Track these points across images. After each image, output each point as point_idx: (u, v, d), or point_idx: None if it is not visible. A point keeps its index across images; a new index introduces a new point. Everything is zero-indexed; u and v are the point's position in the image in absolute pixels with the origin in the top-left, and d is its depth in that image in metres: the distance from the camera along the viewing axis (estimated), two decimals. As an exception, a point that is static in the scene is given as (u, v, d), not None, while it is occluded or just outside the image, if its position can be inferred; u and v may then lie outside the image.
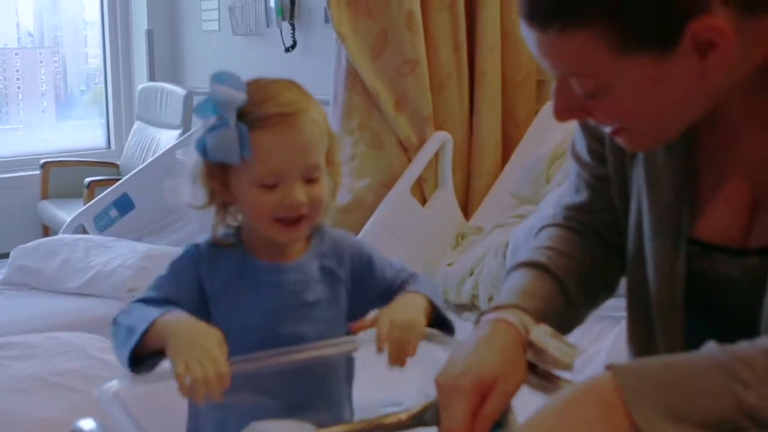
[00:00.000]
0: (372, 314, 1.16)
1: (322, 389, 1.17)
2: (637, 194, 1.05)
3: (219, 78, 1.11)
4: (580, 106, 0.92)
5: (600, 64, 0.86)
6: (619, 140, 0.97)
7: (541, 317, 1.02)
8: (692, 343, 1.04)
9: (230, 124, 1.10)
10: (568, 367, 0.98)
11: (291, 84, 1.17)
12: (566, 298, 1.08)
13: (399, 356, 1.11)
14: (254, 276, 1.18)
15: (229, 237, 1.20)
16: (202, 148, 1.13)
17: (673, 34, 0.83)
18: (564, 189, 1.21)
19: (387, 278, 1.24)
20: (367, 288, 1.23)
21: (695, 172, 1.02)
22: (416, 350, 1.12)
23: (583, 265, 1.11)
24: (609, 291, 1.17)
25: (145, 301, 1.16)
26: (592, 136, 1.12)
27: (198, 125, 4.08)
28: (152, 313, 1.09)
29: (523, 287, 1.06)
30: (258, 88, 1.14)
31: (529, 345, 0.99)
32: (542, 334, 0.99)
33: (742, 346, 0.81)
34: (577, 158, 1.16)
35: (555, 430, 0.80)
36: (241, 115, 1.10)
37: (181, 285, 1.17)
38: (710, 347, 0.83)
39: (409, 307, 1.16)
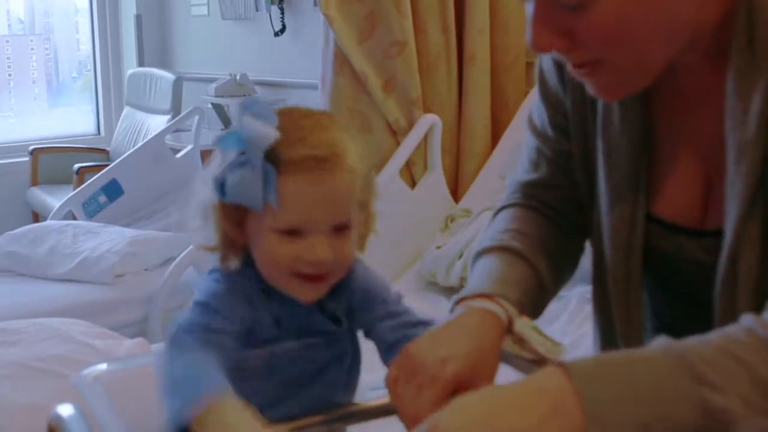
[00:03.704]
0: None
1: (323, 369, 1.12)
2: (599, 166, 1.04)
3: (249, 105, 0.97)
4: (562, 28, 0.87)
5: None
6: (590, 84, 0.93)
7: (520, 304, 1.01)
8: (658, 320, 1.04)
9: (256, 164, 0.94)
10: (546, 362, 0.97)
11: (328, 120, 1.01)
12: (539, 282, 1.06)
13: None
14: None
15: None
16: (221, 188, 0.97)
17: None
18: (520, 166, 1.17)
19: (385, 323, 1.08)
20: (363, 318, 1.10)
21: (651, 146, 0.99)
22: None
23: (549, 246, 1.10)
24: (572, 269, 1.16)
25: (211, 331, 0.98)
26: (554, 107, 1.09)
27: (187, 111, 4.01)
28: (212, 385, 0.91)
29: (502, 275, 1.03)
30: (291, 121, 0.98)
31: (510, 334, 0.98)
32: (527, 327, 0.98)
33: (697, 345, 0.76)
34: (537, 132, 1.13)
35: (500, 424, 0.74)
36: (269, 153, 0.95)
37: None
38: (663, 343, 0.77)
39: None
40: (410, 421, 0.89)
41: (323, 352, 1.07)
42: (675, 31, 0.87)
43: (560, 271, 1.12)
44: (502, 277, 1.03)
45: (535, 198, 1.14)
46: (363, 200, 1.03)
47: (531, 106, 1.14)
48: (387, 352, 1.03)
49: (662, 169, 1.00)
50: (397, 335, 1.03)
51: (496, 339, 0.96)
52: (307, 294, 1.01)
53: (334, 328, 1.06)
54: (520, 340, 0.97)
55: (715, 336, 0.77)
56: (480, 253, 1.09)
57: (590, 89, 0.94)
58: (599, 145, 1.02)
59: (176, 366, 0.92)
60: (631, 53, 0.88)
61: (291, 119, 0.98)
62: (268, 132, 0.95)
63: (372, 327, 1.08)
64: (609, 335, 1.06)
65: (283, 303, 1.03)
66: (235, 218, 1.00)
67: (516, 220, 1.11)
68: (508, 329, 0.98)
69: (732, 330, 0.77)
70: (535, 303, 1.05)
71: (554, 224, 1.13)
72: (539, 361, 0.97)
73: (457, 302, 1.01)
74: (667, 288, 1.05)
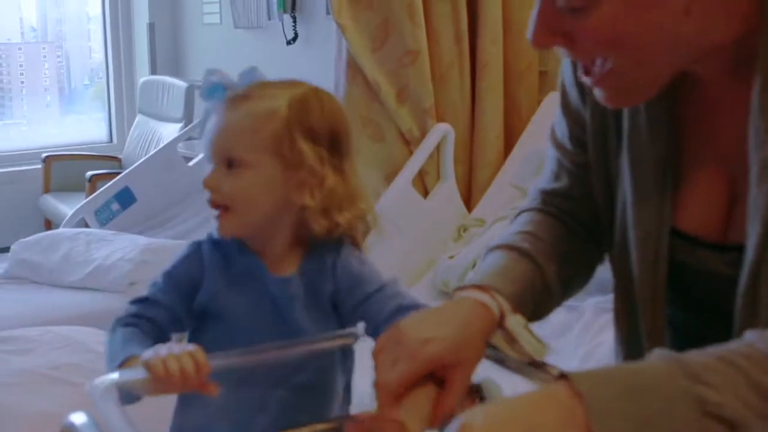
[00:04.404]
0: None
1: (313, 381, 1.15)
2: (623, 180, 1.04)
3: (245, 73, 1.17)
4: (562, 28, 0.89)
5: None
6: (600, 92, 0.94)
7: (518, 302, 1.01)
8: (676, 332, 1.03)
9: (209, 106, 1.15)
10: (534, 362, 0.99)
11: (290, 82, 1.17)
12: (544, 285, 1.07)
13: None
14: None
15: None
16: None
17: None
18: (542, 175, 1.19)
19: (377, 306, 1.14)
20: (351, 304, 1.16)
21: (677, 157, 1.00)
22: None
23: (562, 251, 1.10)
24: (585, 279, 1.16)
25: (141, 302, 1.18)
26: (574, 121, 1.10)
27: (199, 119, 4.08)
28: (131, 349, 1.08)
29: (503, 270, 1.05)
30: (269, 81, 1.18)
31: (500, 329, 0.99)
32: (517, 324, 0.99)
33: (695, 354, 0.78)
34: (557, 144, 1.14)
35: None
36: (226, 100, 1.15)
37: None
38: (663, 354, 0.79)
39: None
40: (380, 389, 0.92)
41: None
42: (678, 42, 0.88)
43: (571, 278, 1.12)
44: (501, 272, 1.04)
45: (553, 205, 1.15)
46: (284, 146, 1.11)
47: (553, 120, 1.15)
48: (378, 329, 1.06)
49: (686, 181, 1.00)
50: (394, 317, 1.06)
51: (484, 330, 0.97)
52: (218, 225, 1.13)
53: (285, 282, 1.13)
54: (510, 337, 0.98)
55: (714, 348, 0.79)
56: (489, 251, 1.10)
57: (598, 97, 0.95)
58: (626, 156, 1.02)
59: (107, 344, 1.13)
60: (631, 58, 0.89)
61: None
62: (224, 81, 1.14)
63: (365, 311, 1.13)
64: (633, 347, 1.06)
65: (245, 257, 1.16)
66: None
67: (531, 223, 1.12)
68: (500, 324, 0.99)
69: (733, 344, 0.79)
70: (537, 304, 1.06)
71: (570, 231, 1.13)
72: (533, 363, 0.99)
73: (456, 291, 1.03)
74: (687, 299, 1.04)
